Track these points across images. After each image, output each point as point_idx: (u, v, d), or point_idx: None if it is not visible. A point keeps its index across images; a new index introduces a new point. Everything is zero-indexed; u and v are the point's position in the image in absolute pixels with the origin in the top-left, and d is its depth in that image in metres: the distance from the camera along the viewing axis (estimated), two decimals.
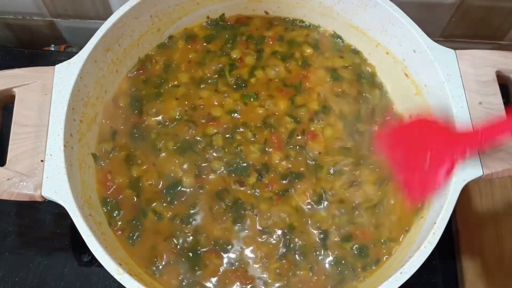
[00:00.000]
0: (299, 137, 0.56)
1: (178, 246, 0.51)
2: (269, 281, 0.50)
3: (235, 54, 0.60)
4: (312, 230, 0.52)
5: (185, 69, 0.60)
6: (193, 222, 0.52)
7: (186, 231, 0.52)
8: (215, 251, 0.51)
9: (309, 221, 0.52)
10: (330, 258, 0.51)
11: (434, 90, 0.54)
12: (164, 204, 0.53)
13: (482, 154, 0.48)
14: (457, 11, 0.70)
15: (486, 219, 0.64)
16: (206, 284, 0.50)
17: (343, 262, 0.51)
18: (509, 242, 0.62)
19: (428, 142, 0.46)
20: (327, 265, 0.51)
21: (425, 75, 0.55)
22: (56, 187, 0.47)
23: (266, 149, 0.55)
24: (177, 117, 0.57)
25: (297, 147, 0.55)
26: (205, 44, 0.62)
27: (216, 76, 0.59)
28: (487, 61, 0.53)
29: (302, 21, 0.63)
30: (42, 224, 0.61)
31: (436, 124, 0.47)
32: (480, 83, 0.52)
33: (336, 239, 0.51)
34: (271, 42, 0.61)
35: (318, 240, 0.52)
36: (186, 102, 0.58)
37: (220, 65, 0.60)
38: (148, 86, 0.59)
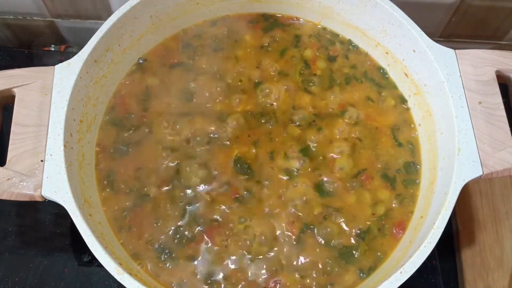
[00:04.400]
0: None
1: None
2: None
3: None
4: None
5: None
6: None
7: None
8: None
9: None
10: None
11: (433, 90, 0.54)
12: None
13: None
14: (457, 11, 0.70)
15: (486, 219, 0.64)
16: None
17: None
18: (509, 242, 0.62)
19: None
20: None
21: (424, 74, 0.55)
22: (56, 187, 0.47)
23: None
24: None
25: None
26: None
27: None
28: (487, 61, 0.53)
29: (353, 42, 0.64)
30: (42, 224, 0.61)
31: None
32: (479, 83, 0.52)
33: None
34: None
35: None
36: None
37: None
38: None
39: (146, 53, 0.61)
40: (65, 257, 0.59)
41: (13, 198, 0.47)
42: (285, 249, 0.51)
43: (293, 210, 0.53)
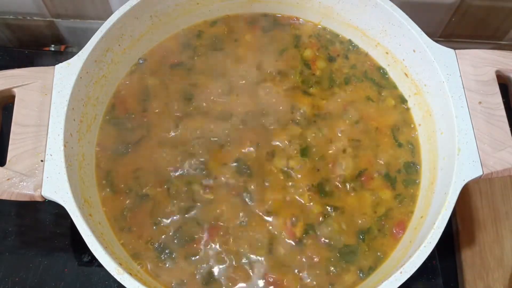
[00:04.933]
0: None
1: None
2: None
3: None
4: None
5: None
6: None
7: None
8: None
9: None
10: None
11: (433, 90, 0.54)
12: None
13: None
14: (457, 11, 0.70)
15: (486, 219, 0.64)
16: None
17: None
18: (509, 242, 0.62)
19: None
20: None
21: (425, 74, 0.55)
22: (56, 187, 0.47)
23: None
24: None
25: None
26: None
27: None
28: (487, 61, 0.53)
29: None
30: (42, 224, 0.61)
31: None
32: (479, 83, 0.52)
33: None
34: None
35: None
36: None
37: None
38: None
39: (146, 53, 0.61)
40: (65, 257, 0.59)
41: (13, 198, 0.47)
42: (285, 249, 0.51)
43: (293, 210, 0.53)
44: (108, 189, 0.54)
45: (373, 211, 0.53)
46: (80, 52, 0.52)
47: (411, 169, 0.56)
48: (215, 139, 0.56)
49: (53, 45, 0.80)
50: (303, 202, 0.53)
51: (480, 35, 0.75)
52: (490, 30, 0.74)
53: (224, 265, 0.50)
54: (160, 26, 0.60)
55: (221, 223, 0.52)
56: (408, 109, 0.59)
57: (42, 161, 0.48)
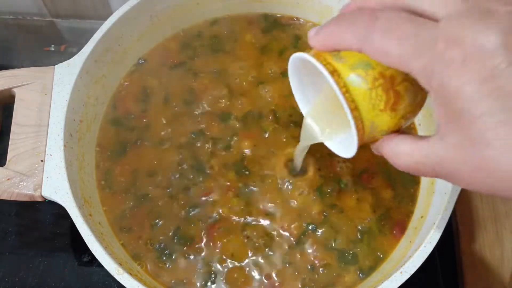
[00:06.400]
0: None
1: None
2: None
3: None
4: None
5: None
6: None
7: None
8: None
9: None
10: None
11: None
12: None
13: None
14: None
15: (486, 219, 0.64)
16: None
17: None
18: (509, 242, 0.62)
19: None
20: None
21: None
22: (56, 187, 0.47)
23: None
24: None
25: None
26: None
27: None
28: None
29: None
30: (42, 224, 0.61)
31: None
32: None
33: None
34: None
35: None
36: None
37: None
38: None
39: (146, 53, 0.61)
40: (65, 257, 0.59)
41: (13, 198, 0.47)
42: (284, 249, 0.51)
43: (292, 210, 0.53)
44: (108, 189, 0.54)
45: (373, 211, 0.53)
46: (80, 52, 0.52)
47: None
48: (215, 139, 0.56)
49: (53, 45, 0.80)
50: (302, 201, 0.53)
51: None
52: None
53: (223, 265, 0.50)
54: (160, 26, 0.60)
55: (221, 223, 0.52)
56: None
57: (42, 161, 0.48)
